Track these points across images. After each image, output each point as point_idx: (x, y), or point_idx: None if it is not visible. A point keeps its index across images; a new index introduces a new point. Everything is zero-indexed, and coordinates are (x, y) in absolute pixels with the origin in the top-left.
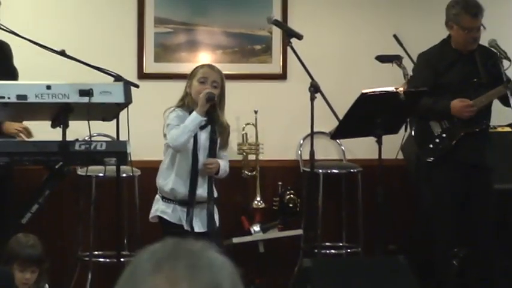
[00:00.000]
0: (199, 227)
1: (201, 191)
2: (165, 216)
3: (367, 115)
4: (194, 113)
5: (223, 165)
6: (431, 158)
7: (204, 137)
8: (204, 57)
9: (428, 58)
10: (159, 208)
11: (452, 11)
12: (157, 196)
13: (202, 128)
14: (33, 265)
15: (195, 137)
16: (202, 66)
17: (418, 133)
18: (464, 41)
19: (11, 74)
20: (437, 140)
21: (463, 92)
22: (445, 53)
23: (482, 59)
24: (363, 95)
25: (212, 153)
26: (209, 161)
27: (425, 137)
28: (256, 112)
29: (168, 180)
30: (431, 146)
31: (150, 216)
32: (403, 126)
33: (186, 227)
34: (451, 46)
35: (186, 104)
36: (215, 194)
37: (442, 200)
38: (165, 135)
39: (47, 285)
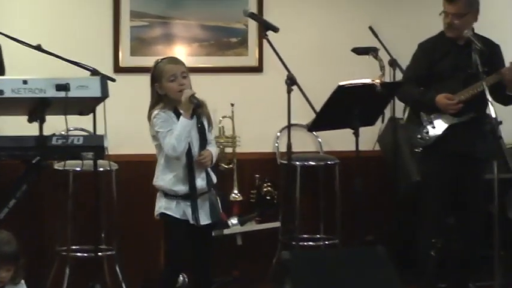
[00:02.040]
0: (204, 219)
1: (201, 182)
2: (169, 212)
3: (344, 107)
4: (183, 119)
5: (214, 151)
6: (420, 149)
7: (193, 130)
8: (180, 50)
9: (424, 47)
10: (163, 205)
11: None
12: (159, 193)
13: None
14: (9, 263)
15: None
16: (163, 63)
17: (409, 124)
18: (444, 26)
19: None
20: (425, 131)
21: (455, 82)
22: (441, 43)
23: (479, 50)
24: (340, 87)
25: (204, 142)
26: (202, 155)
27: (415, 128)
28: (232, 105)
29: (167, 181)
30: (419, 136)
31: (155, 214)
32: (380, 118)
33: (191, 221)
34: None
35: (166, 105)
36: (214, 181)
37: (430, 190)
38: (153, 137)
39: (22, 281)
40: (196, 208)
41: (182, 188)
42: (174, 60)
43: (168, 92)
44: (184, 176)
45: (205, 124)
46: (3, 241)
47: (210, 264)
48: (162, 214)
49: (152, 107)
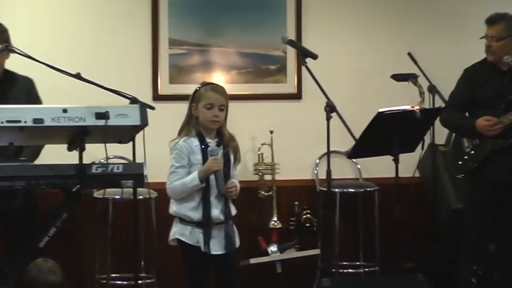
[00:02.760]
0: (216, 249)
1: (217, 212)
2: (182, 238)
3: (383, 134)
4: (195, 178)
5: (238, 185)
6: (462, 175)
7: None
8: (219, 77)
9: (467, 73)
10: (177, 231)
11: None
12: (175, 219)
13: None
14: None
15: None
16: (206, 89)
17: (452, 150)
18: (485, 49)
19: None
20: (466, 157)
21: (496, 108)
22: (483, 68)
23: None
24: (380, 114)
25: (227, 176)
26: (230, 184)
27: (457, 154)
28: (271, 132)
29: (181, 208)
30: (460, 162)
31: (169, 239)
32: (420, 145)
33: (203, 249)
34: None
35: (193, 126)
36: (233, 213)
37: (471, 217)
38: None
39: None
40: (209, 237)
41: (197, 215)
42: (217, 90)
43: (200, 116)
44: (199, 204)
45: (231, 157)
46: (48, 270)
47: None
48: (177, 240)
49: (184, 125)
